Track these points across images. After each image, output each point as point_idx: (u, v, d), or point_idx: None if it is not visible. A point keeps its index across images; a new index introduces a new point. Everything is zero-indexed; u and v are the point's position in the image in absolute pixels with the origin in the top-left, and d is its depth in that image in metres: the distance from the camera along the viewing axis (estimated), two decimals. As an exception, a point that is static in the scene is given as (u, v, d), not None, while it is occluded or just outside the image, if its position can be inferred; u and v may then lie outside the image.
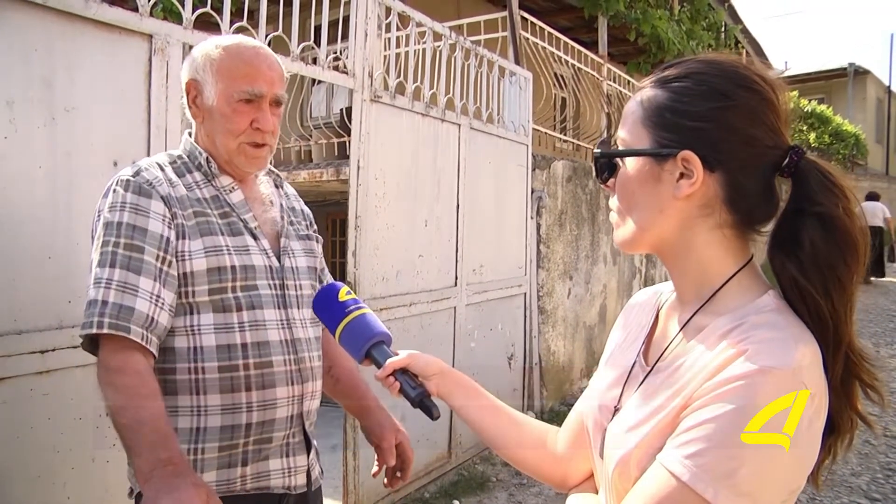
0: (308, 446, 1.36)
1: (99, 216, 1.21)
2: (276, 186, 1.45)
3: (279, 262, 1.33)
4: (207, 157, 1.31)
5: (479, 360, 3.95)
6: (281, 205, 1.42)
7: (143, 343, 1.13)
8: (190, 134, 1.38)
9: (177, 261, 1.21)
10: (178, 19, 2.10)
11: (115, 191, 1.21)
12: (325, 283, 1.56)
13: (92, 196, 1.23)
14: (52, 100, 1.74)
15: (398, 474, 1.46)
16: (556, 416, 4.62)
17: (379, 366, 1.04)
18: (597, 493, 0.92)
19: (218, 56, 1.28)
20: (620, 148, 0.83)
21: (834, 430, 0.74)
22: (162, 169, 1.27)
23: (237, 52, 1.29)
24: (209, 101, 1.29)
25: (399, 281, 3.23)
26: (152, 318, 1.15)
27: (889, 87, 22.29)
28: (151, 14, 1.99)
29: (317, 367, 1.38)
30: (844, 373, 0.74)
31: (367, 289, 3.00)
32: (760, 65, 0.83)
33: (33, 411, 1.69)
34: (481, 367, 3.94)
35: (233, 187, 1.32)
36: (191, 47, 2.11)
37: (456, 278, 3.70)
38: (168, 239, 1.19)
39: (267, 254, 1.31)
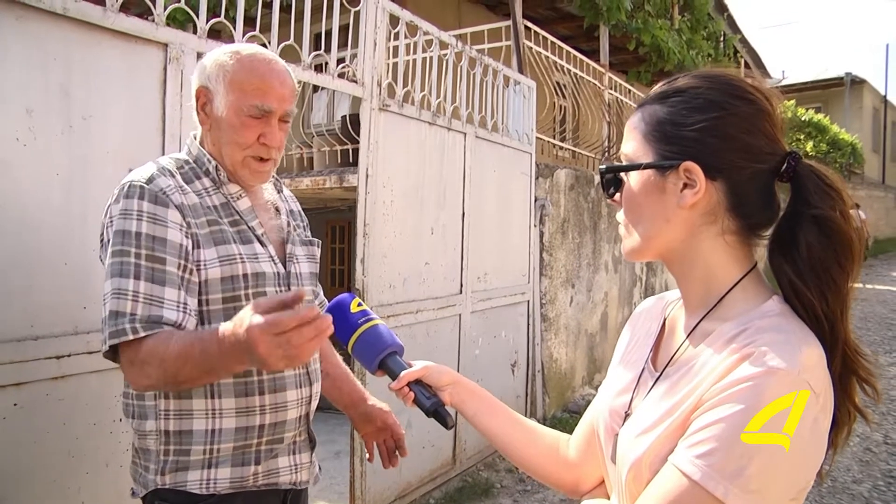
0: (312, 444, 1.42)
1: (111, 222, 1.20)
2: (278, 191, 1.48)
3: (285, 268, 1.36)
4: (217, 165, 1.31)
5: (483, 367, 3.96)
6: (286, 210, 1.45)
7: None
8: (195, 137, 1.37)
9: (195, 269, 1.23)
10: (191, 28, 2.12)
11: (128, 197, 1.19)
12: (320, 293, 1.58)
13: (107, 203, 1.26)
14: (69, 108, 1.75)
15: (397, 452, 1.53)
16: (558, 423, 4.63)
17: (393, 376, 1.06)
18: (609, 498, 0.94)
19: (231, 67, 1.27)
20: (624, 163, 0.87)
21: (835, 424, 0.77)
22: (172, 175, 1.26)
23: (251, 66, 1.27)
24: (219, 111, 1.28)
25: (406, 288, 3.25)
26: (181, 325, 1.17)
27: (885, 96, 22.45)
28: (167, 24, 2.01)
29: (319, 370, 1.44)
30: (843, 369, 0.77)
31: (374, 296, 3.02)
32: (755, 76, 0.87)
33: (49, 416, 1.70)
34: (485, 374, 3.95)
35: (240, 195, 1.34)
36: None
37: (461, 286, 3.71)
38: (186, 248, 1.20)
39: (274, 261, 1.33)
